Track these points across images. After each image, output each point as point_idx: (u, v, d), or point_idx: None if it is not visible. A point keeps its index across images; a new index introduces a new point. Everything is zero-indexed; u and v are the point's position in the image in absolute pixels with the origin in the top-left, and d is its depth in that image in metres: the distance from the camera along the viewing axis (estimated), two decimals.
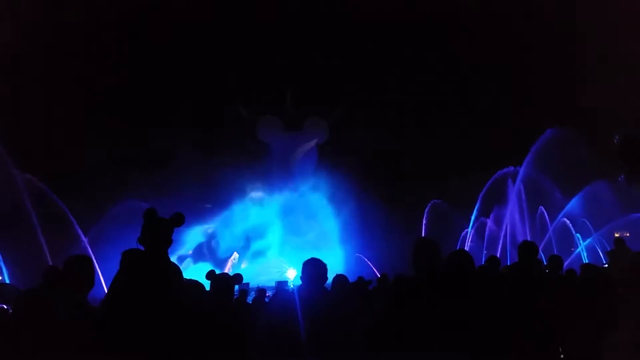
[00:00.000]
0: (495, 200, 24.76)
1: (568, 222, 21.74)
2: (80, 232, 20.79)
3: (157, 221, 3.80)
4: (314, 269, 4.19)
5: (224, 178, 28.98)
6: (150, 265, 3.67)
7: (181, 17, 31.41)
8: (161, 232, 3.77)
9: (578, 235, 21.48)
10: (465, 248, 23.29)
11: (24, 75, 23.64)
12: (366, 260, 24.58)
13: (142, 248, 3.76)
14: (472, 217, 25.39)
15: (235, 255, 30.46)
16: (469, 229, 25.38)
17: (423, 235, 26.02)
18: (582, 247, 20.93)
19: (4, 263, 18.59)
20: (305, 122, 34.73)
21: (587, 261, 19.18)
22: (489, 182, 24.83)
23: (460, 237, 25.59)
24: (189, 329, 3.72)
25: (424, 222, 27.19)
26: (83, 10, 26.60)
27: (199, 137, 29.93)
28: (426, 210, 27.18)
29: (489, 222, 24.62)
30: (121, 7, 29.45)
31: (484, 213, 25.23)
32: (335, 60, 32.75)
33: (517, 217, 23.52)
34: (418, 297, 3.71)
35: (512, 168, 24.35)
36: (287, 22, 32.64)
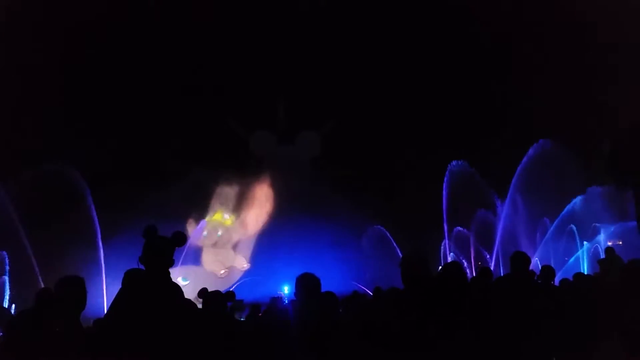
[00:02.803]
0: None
1: (574, 228, 21.79)
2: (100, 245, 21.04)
3: (158, 240, 3.79)
4: (306, 283, 4.21)
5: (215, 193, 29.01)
6: (151, 285, 3.67)
7: (173, 30, 31.59)
8: (162, 252, 3.75)
9: (586, 242, 21.44)
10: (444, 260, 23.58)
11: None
12: (362, 287, 24.57)
13: (143, 268, 3.75)
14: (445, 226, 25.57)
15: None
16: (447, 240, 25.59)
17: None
18: (581, 253, 20.96)
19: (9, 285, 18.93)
20: (298, 135, 34.88)
21: (586, 268, 19.31)
22: (445, 182, 25.07)
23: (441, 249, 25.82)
24: (187, 348, 3.72)
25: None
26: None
27: (190, 151, 29.94)
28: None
29: (472, 233, 24.77)
30: (107, 25, 29.72)
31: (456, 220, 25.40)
32: (328, 71, 32.93)
33: (510, 227, 23.63)
34: (411, 307, 3.75)
35: (456, 162, 24.80)
36: (278, 35, 32.94)
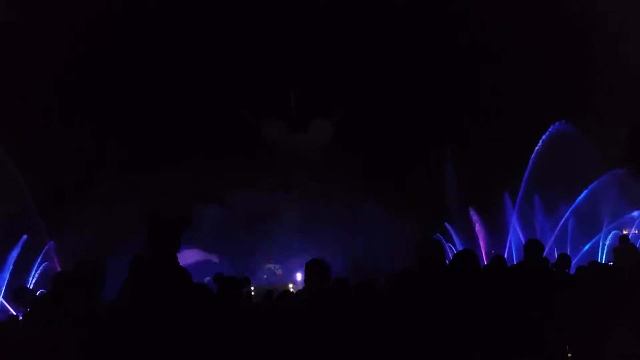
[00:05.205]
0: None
1: (602, 214, 21.37)
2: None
3: (163, 224, 3.75)
4: (316, 269, 4.23)
5: (228, 179, 29.17)
6: (158, 270, 3.66)
7: (188, 21, 31.67)
8: (167, 236, 3.72)
9: (616, 231, 21.03)
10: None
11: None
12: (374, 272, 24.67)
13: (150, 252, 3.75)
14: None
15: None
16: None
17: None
18: (601, 240, 20.67)
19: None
20: (310, 123, 34.89)
21: (605, 255, 19.05)
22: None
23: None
24: (197, 333, 3.74)
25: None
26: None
27: (204, 139, 30.10)
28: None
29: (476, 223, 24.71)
30: (119, 10, 29.82)
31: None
32: (338, 60, 32.88)
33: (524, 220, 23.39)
34: (424, 292, 3.74)
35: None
36: (290, 24, 32.84)
